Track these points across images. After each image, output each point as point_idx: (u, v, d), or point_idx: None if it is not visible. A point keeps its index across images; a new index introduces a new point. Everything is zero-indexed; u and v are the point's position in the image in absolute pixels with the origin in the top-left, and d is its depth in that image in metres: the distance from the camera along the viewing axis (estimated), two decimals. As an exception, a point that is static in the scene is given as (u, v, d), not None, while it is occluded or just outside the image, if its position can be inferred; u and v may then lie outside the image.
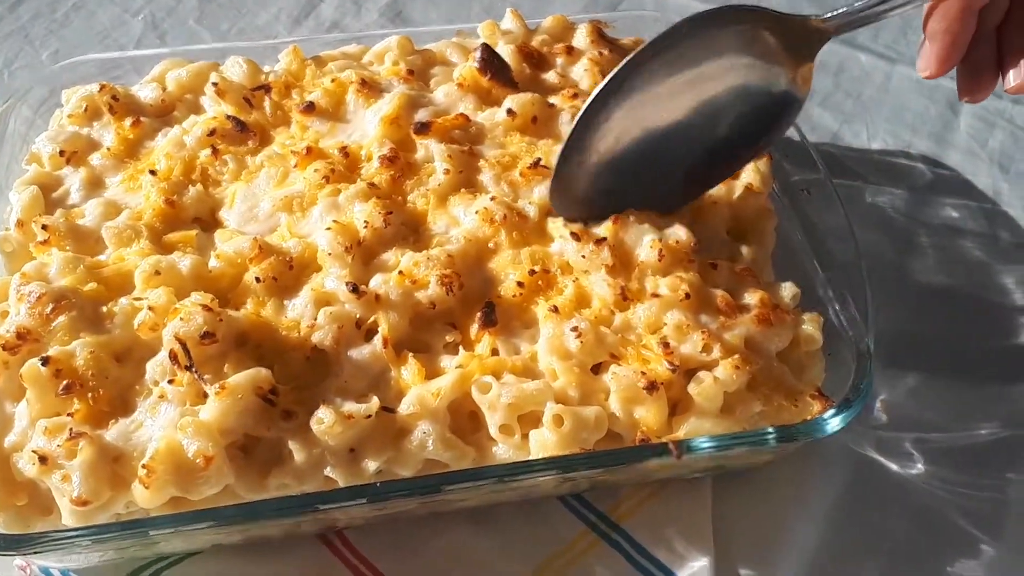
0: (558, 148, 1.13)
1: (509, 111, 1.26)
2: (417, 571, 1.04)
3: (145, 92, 1.33)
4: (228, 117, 1.26)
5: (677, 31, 1.05)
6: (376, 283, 1.05)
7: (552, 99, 1.30)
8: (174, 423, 0.93)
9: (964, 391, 1.22)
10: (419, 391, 0.98)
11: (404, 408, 0.97)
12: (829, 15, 1.05)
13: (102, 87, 1.29)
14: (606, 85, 1.07)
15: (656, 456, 0.96)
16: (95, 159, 1.23)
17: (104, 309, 1.02)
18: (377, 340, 1.01)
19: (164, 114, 1.31)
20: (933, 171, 1.53)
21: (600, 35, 1.43)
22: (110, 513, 0.93)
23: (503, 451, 0.99)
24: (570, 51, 1.40)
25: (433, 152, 1.21)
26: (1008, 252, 1.41)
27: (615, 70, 1.07)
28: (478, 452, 0.99)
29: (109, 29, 1.79)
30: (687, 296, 1.03)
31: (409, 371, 1.00)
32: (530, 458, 0.96)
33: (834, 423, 0.98)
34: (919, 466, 1.15)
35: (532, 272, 1.08)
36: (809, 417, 1.00)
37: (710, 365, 0.99)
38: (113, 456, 0.93)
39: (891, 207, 1.47)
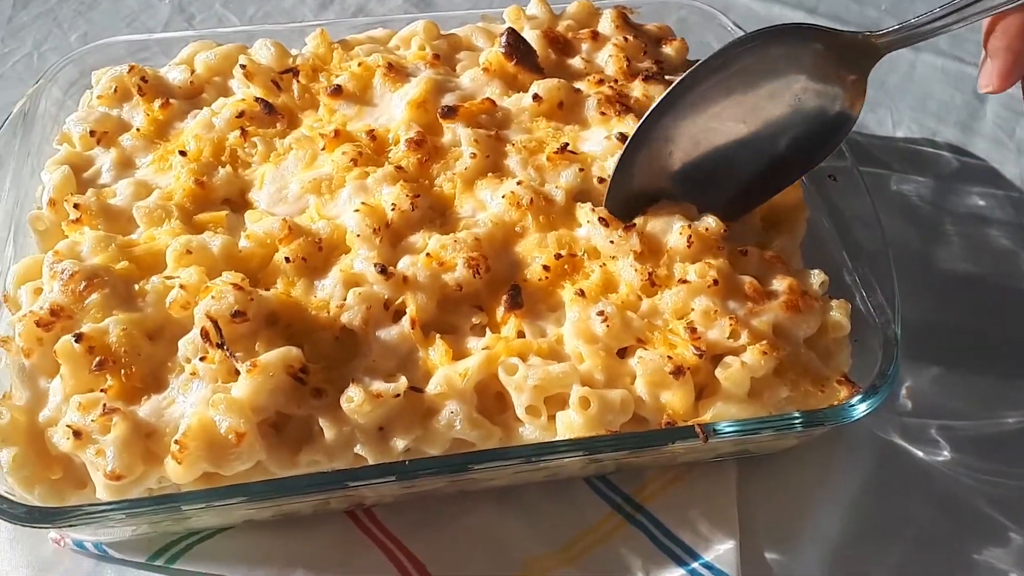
0: (612, 161, 1.15)
1: (535, 96, 1.26)
2: (444, 549, 1.05)
3: (174, 74, 1.34)
4: (257, 99, 1.26)
5: (730, 50, 1.07)
6: (404, 265, 1.06)
7: (578, 84, 1.31)
8: (206, 400, 0.95)
9: (989, 378, 1.22)
10: (446, 371, 0.99)
11: (432, 388, 0.98)
12: (882, 31, 1.06)
13: (131, 68, 1.31)
14: (660, 103, 1.09)
15: (683, 439, 0.96)
16: (125, 140, 1.25)
17: (136, 287, 1.04)
18: (405, 321, 1.02)
19: (193, 96, 1.33)
20: (959, 159, 1.52)
21: (625, 21, 1.44)
22: (143, 488, 0.94)
23: (529, 432, 0.99)
24: (595, 37, 1.41)
25: (460, 136, 1.21)
26: (1035, 241, 1.40)
27: (669, 89, 1.09)
28: (505, 432, 1.00)
29: (137, 12, 1.81)
30: (715, 282, 1.04)
31: (436, 352, 1.01)
32: (557, 439, 0.97)
33: (860, 409, 0.98)
34: (944, 453, 1.15)
35: (558, 256, 1.09)
36: (836, 403, 1.00)
37: (737, 351, 1.00)
38: (146, 432, 0.95)
39: (916, 195, 1.46)
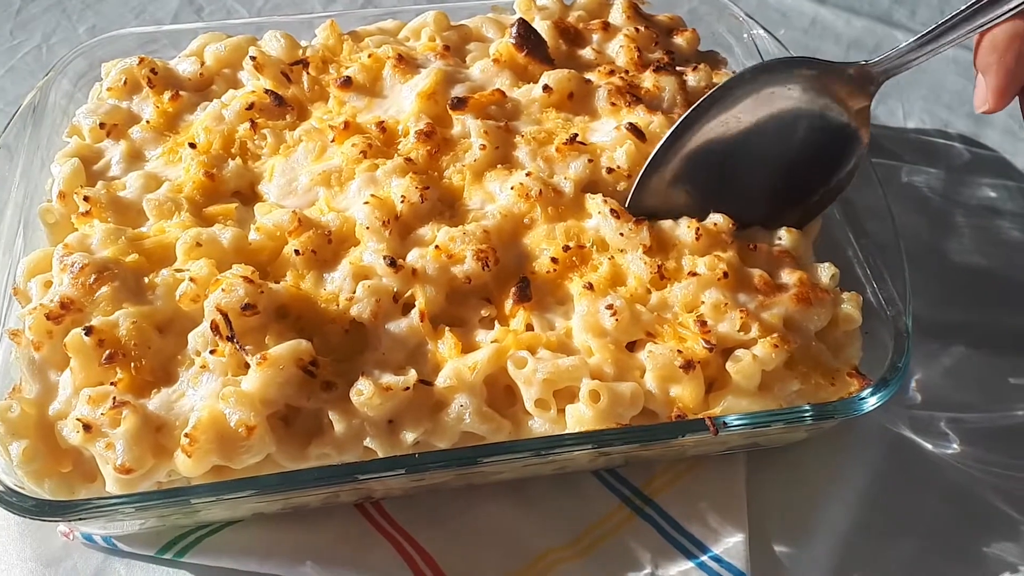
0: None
1: (546, 87, 1.26)
2: (453, 541, 1.05)
3: (183, 66, 1.34)
4: (266, 91, 1.26)
5: (734, 84, 1.11)
6: (413, 257, 1.06)
7: (588, 75, 1.30)
8: (216, 393, 0.95)
9: (1000, 372, 1.22)
10: (455, 365, 0.99)
11: (441, 381, 0.98)
12: (876, 59, 1.09)
13: (141, 60, 1.31)
14: (667, 138, 1.13)
15: (693, 432, 0.96)
16: (135, 132, 1.25)
17: (146, 280, 1.04)
18: (414, 314, 1.02)
19: (202, 88, 1.33)
20: (971, 151, 1.51)
21: (636, 11, 1.43)
22: (153, 481, 0.94)
23: (539, 425, 0.99)
24: (606, 27, 1.40)
25: (469, 128, 1.21)
26: (1047, 234, 1.39)
27: (675, 124, 1.13)
28: (514, 426, 1.00)
29: (145, 4, 1.81)
30: (725, 275, 1.03)
31: (445, 345, 1.01)
32: (567, 432, 0.97)
33: (871, 402, 0.98)
34: (954, 446, 1.15)
35: (566, 248, 1.08)
36: (846, 396, 1.00)
37: (747, 344, 1.00)
38: (156, 425, 0.95)
39: (927, 187, 1.46)
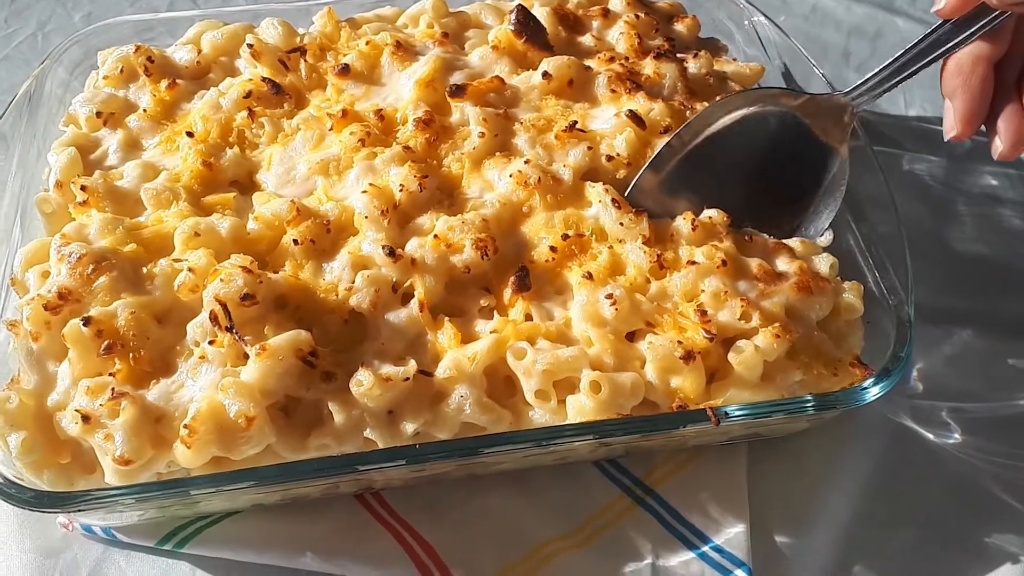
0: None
1: (545, 74, 1.25)
2: (453, 532, 1.05)
3: (180, 54, 1.33)
4: (264, 79, 1.25)
5: (709, 114, 1.15)
6: (412, 247, 1.06)
7: (588, 62, 1.29)
8: (215, 384, 0.94)
9: (1002, 360, 1.21)
10: (455, 355, 0.98)
11: (441, 372, 0.98)
12: (849, 89, 1.12)
13: (137, 48, 1.30)
14: (650, 162, 1.15)
15: (694, 423, 0.95)
16: (132, 121, 1.24)
17: (144, 270, 1.03)
18: (413, 304, 1.02)
19: (199, 76, 1.32)
20: (972, 138, 1.48)
21: (637, -3, 1.42)
22: (152, 472, 0.94)
23: (539, 415, 0.99)
24: (606, 14, 1.40)
25: (468, 115, 1.20)
26: (1049, 222, 1.39)
27: (654, 155, 1.15)
28: (514, 416, 0.99)
29: (141, -9, 1.79)
30: (723, 263, 1.03)
31: (445, 335, 1.01)
32: (567, 423, 0.97)
33: (873, 392, 0.98)
34: (955, 436, 1.15)
35: (565, 237, 1.08)
36: (848, 385, 1.00)
37: (749, 333, 0.99)
38: (155, 416, 0.94)
39: (929, 175, 1.45)
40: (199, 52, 1.32)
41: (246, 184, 1.18)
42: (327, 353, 0.97)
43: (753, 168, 1.15)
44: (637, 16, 1.38)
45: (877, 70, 1.10)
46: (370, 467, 0.93)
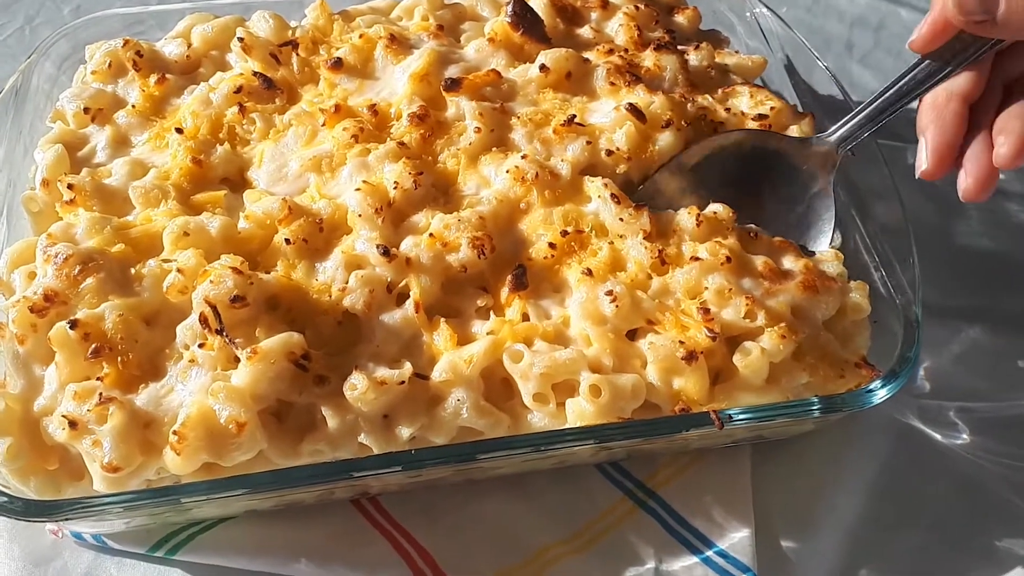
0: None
1: (542, 67, 1.22)
2: (451, 538, 1.03)
3: (170, 48, 1.30)
4: (255, 73, 1.23)
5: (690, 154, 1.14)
6: (407, 246, 1.03)
7: (586, 55, 1.27)
8: (205, 388, 0.92)
9: (1011, 359, 1.19)
10: (451, 358, 0.96)
11: (437, 375, 0.96)
12: (829, 132, 1.11)
13: (126, 43, 1.27)
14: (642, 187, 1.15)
15: (698, 427, 0.93)
16: (120, 117, 1.21)
17: (132, 271, 1.01)
18: (409, 305, 0.99)
19: (190, 71, 1.29)
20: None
21: (636, -12, 1.39)
22: (141, 479, 0.92)
23: (538, 419, 0.96)
24: (605, 5, 1.37)
25: (464, 110, 1.18)
26: (1057, 216, 1.36)
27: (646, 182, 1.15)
28: (513, 420, 0.97)
29: (131, -17, 1.76)
30: (728, 259, 1.00)
31: (441, 337, 0.98)
32: (567, 427, 0.94)
33: (881, 394, 0.95)
34: (963, 436, 1.13)
35: (564, 233, 1.05)
36: (855, 387, 0.97)
37: (753, 332, 0.97)
38: (144, 421, 0.92)
39: (934, 168, 1.42)
40: (189, 46, 1.30)
41: (237, 182, 1.16)
42: (320, 356, 0.95)
43: (753, 183, 1.14)
44: (637, 7, 1.35)
45: (855, 111, 1.10)
46: (365, 473, 0.91)
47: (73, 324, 0.94)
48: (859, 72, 1.58)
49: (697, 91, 1.24)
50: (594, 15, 1.36)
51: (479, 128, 1.15)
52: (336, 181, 1.12)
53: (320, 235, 1.05)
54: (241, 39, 1.26)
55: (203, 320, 0.94)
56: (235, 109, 1.19)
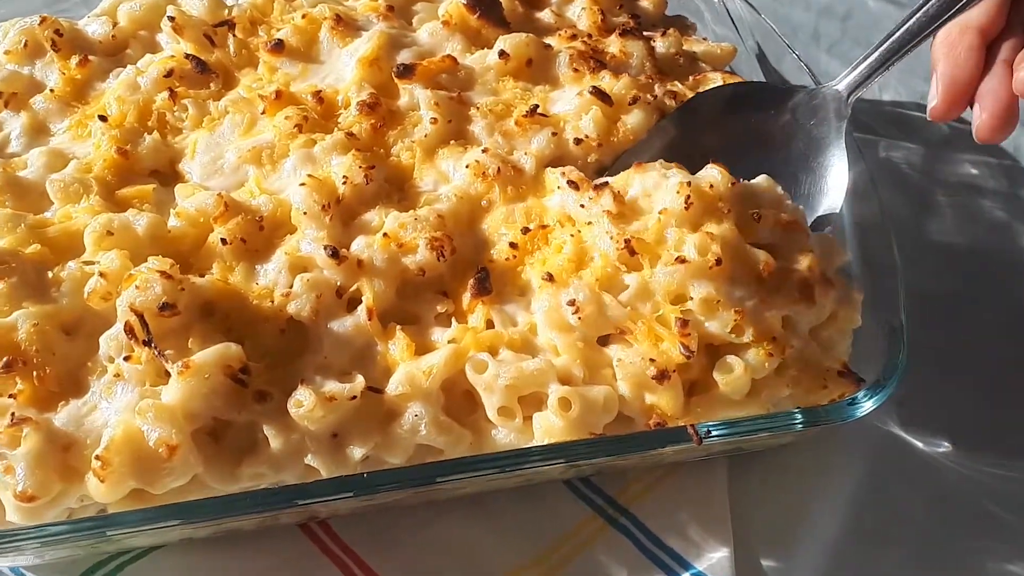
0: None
1: (502, 53, 1.17)
2: (406, 563, 0.96)
3: (94, 27, 1.24)
4: (187, 56, 1.17)
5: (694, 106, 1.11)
6: (358, 247, 0.97)
7: (548, 40, 1.21)
8: (132, 406, 0.85)
9: (992, 363, 1.16)
10: (409, 369, 0.89)
11: (392, 388, 0.89)
12: (835, 80, 1.09)
13: (43, 20, 1.20)
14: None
15: (674, 443, 0.87)
16: (38, 102, 1.15)
17: (50, 275, 0.95)
18: (361, 311, 0.93)
19: (115, 52, 1.23)
20: (950, 125, 1.45)
21: (599, -29, 1.33)
22: (61, 508, 0.84)
23: (503, 435, 0.90)
24: (567, -12, 1.31)
25: (418, 99, 1.12)
26: (1031, 211, 1.34)
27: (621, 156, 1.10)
28: (475, 436, 0.91)
29: (53, -44, 1.65)
30: (718, 262, 0.90)
31: (397, 346, 0.92)
32: (534, 445, 0.88)
33: (866, 407, 0.91)
34: (945, 444, 1.09)
35: (525, 230, 0.99)
36: (838, 397, 0.92)
37: (738, 347, 0.90)
38: (63, 444, 0.85)
39: (906, 163, 1.40)
40: (114, 25, 1.24)
41: (167, 175, 1.10)
42: (261, 369, 0.88)
43: (755, 141, 1.09)
44: (599, -10, 1.29)
45: (864, 55, 1.06)
46: (311, 501, 0.84)
47: (-20, 335, 0.85)
48: (826, 61, 1.54)
49: (666, 79, 1.18)
50: (555, -2, 1.30)
51: (435, 119, 1.09)
52: (278, 175, 1.06)
53: (260, 234, 0.98)
54: (172, 18, 1.19)
55: (129, 330, 0.86)
56: (165, 95, 1.13)
